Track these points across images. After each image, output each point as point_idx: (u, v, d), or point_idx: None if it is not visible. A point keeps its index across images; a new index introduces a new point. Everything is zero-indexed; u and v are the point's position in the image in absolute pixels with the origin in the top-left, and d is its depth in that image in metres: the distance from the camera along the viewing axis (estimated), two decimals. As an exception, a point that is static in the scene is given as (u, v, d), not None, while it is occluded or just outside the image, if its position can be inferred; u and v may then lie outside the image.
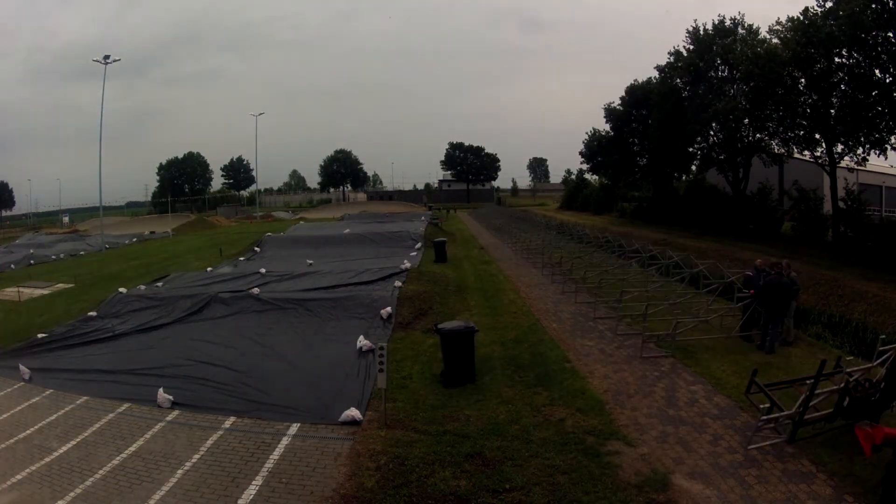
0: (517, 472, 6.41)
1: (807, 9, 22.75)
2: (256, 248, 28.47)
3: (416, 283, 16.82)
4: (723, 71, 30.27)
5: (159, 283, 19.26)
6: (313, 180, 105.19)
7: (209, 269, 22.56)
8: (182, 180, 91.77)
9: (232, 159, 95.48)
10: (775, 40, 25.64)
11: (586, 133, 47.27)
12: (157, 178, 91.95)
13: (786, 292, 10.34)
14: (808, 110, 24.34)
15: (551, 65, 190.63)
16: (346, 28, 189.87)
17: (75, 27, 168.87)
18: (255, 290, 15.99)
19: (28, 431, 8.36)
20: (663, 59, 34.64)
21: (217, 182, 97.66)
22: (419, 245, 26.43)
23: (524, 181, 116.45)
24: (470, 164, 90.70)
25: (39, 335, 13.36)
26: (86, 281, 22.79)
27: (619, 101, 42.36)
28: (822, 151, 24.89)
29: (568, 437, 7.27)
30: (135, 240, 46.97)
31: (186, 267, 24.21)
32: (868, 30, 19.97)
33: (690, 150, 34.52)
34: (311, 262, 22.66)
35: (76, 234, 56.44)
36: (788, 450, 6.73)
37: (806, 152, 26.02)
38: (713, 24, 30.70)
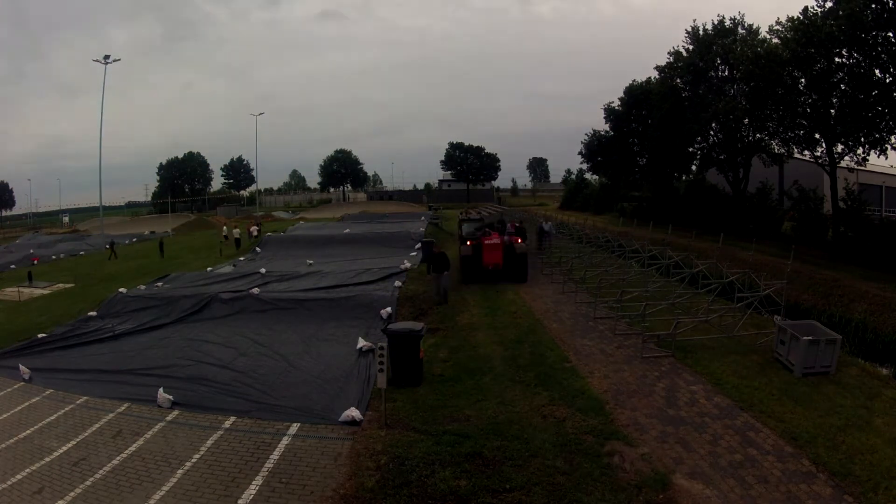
0: (517, 472, 6.41)
1: (806, 8, 22.78)
2: (257, 249, 28.49)
3: (416, 283, 16.82)
4: (723, 71, 30.28)
5: (159, 283, 19.26)
6: (313, 180, 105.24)
7: (209, 269, 22.57)
8: (182, 180, 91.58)
9: (232, 159, 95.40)
10: (775, 40, 25.66)
11: (586, 133, 47.31)
12: (157, 177, 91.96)
13: None
14: (808, 110, 24.37)
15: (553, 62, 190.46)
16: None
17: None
18: (256, 291, 15.99)
19: (28, 431, 8.36)
20: (662, 60, 34.70)
21: (217, 182, 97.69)
22: (419, 245, 26.42)
23: (524, 181, 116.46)
24: (470, 164, 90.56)
25: (39, 335, 13.37)
26: (86, 281, 22.80)
27: (619, 102, 42.37)
28: (822, 151, 24.92)
29: (568, 437, 7.27)
30: (135, 240, 46.98)
31: (186, 267, 24.22)
32: (868, 30, 20.01)
33: (690, 150, 34.56)
34: (311, 262, 22.67)
35: (76, 234, 56.49)
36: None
37: (806, 152, 26.04)
38: (713, 24, 30.75)
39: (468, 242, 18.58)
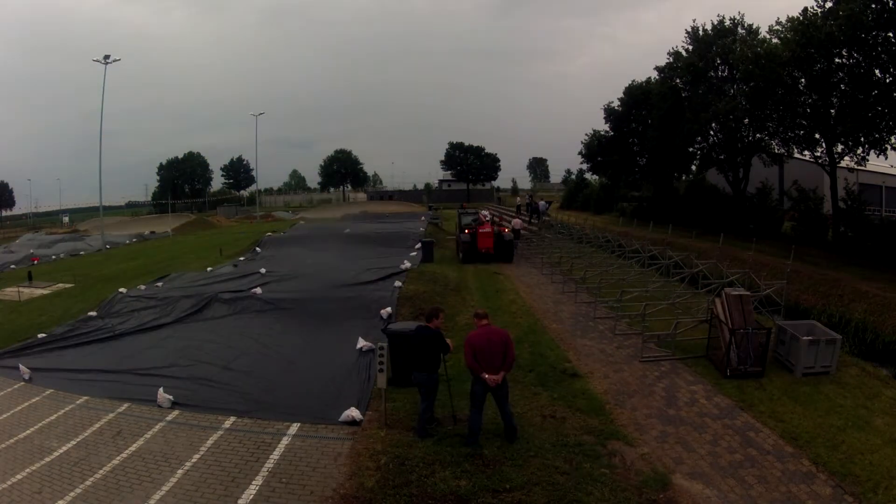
0: (517, 472, 6.41)
1: (806, 9, 22.76)
2: (257, 248, 28.49)
3: (416, 283, 16.82)
4: (722, 71, 30.25)
5: (159, 283, 19.26)
6: (313, 180, 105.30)
7: (209, 269, 22.57)
8: (182, 180, 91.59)
9: (232, 159, 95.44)
10: (775, 40, 25.64)
11: (586, 133, 47.25)
12: (157, 177, 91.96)
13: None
14: (808, 110, 24.35)
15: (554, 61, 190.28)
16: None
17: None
18: (256, 290, 15.99)
19: (28, 431, 8.36)
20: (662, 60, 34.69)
21: (217, 182, 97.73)
22: (419, 245, 26.42)
23: (524, 181, 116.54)
24: (470, 164, 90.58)
25: (39, 335, 13.36)
26: (86, 281, 22.79)
27: (619, 102, 42.34)
28: (822, 151, 24.90)
29: (568, 437, 7.27)
30: (135, 240, 47.02)
31: (186, 267, 24.22)
32: (868, 30, 19.98)
33: (690, 150, 34.52)
34: (311, 262, 22.66)
35: (76, 234, 56.47)
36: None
37: (806, 152, 26.02)
38: (713, 24, 30.75)
39: (466, 231, 22.68)
